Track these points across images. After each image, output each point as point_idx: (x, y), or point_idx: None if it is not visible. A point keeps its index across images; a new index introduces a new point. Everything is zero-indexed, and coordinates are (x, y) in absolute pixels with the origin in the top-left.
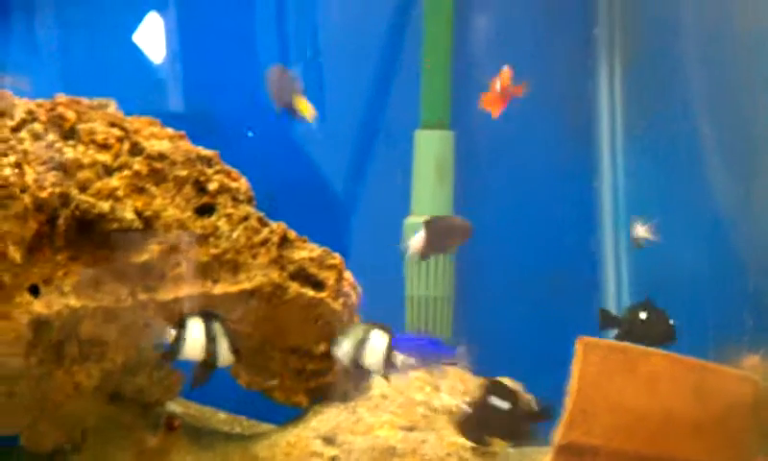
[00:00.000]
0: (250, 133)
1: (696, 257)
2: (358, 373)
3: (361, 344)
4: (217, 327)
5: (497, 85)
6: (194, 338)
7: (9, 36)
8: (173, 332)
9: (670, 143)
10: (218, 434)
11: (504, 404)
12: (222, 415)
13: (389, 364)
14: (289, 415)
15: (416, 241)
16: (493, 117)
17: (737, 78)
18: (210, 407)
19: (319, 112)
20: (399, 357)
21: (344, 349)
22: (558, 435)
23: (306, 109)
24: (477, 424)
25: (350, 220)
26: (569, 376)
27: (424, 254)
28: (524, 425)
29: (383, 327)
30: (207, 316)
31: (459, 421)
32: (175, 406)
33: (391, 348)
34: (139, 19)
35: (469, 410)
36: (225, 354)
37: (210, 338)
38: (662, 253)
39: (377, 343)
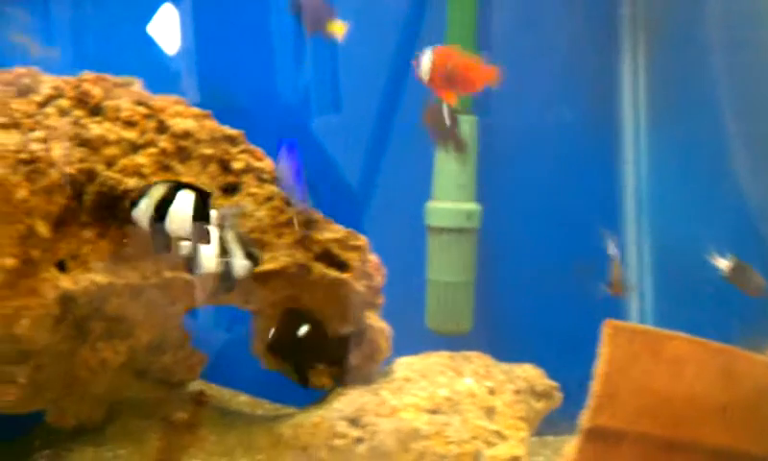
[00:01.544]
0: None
1: (720, 249)
2: (159, 238)
3: (164, 206)
4: (230, 235)
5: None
6: (207, 254)
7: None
8: (186, 245)
9: (694, 134)
10: (241, 415)
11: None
12: (243, 397)
13: (199, 231)
14: (308, 399)
15: None
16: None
17: (763, 66)
18: (231, 389)
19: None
20: (210, 219)
21: (142, 210)
22: (584, 419)
23: (340, 29)
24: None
25: (373, 204)
26: (596, 359)
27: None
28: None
29: (193, 186)
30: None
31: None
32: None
33: (200, 210)
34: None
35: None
36: (240, 263)
37: (223, 249)
38: (685, 243)
39: (183, 203)
